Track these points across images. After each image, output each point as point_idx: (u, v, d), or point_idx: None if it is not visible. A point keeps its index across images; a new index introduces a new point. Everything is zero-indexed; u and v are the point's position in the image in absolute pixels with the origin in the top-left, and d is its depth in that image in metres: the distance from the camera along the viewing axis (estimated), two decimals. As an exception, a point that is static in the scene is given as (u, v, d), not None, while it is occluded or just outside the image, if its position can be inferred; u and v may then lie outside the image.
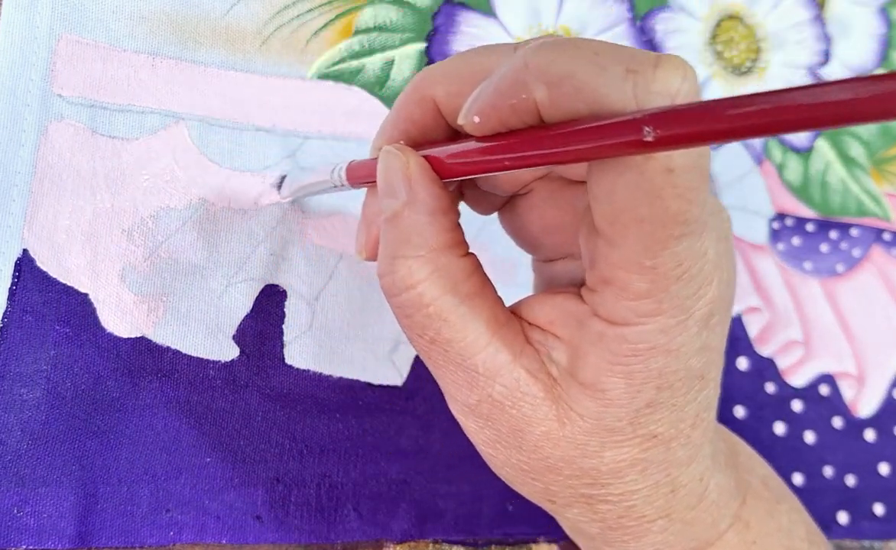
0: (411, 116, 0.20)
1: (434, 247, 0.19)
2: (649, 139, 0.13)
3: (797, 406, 0.34)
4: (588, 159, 0.15)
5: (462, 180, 0.21)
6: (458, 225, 0.20)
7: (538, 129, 0.16)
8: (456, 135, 0.20)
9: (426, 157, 0.19)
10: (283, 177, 0.29)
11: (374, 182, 0.20)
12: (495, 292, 0.20)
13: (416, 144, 0.20)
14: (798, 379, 0.34)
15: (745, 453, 0.24)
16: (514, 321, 0.20)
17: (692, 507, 0.20)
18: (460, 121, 0.18)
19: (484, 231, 0.30)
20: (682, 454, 0.19)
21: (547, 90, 0.15)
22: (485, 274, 0.20)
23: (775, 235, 0.36)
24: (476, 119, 0.17)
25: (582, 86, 0.15)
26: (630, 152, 0.14)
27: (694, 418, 0.19)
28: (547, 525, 0.29)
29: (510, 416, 0.19)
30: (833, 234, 0.36)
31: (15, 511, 0.24)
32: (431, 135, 0.20)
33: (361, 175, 0.22)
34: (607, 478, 0.19)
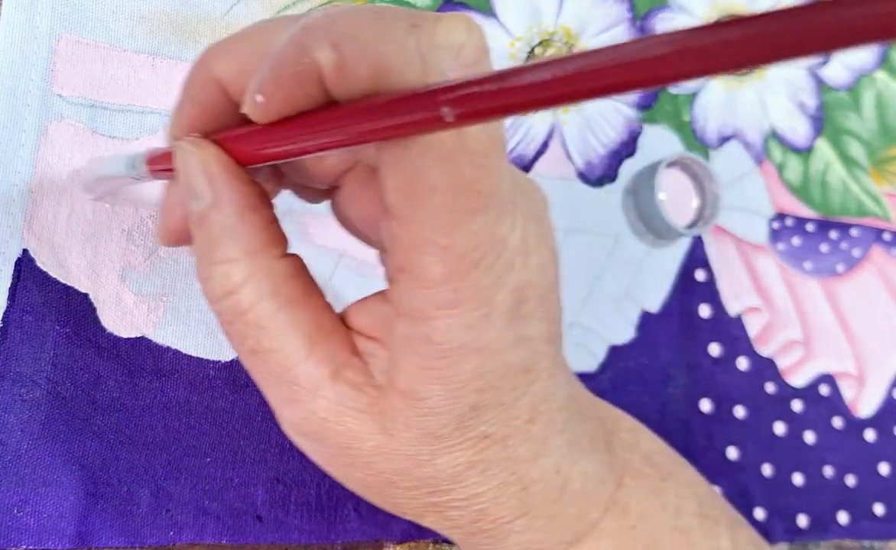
0: (198, 100, 0.18)
1: (248, 249, 0.17)
2: (450, 119, 0.12)
3: (797, 406, 0.34)
4: (383, 138, 0.14)
5: (278, 165, 0.20)
6: (274, 220, 0.18)
7: (331, 108, 0.15)
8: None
9: (223, 146, 0.17)
10: (78, 172, 0.26)
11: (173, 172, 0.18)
12: (322, 297, 0.18)
13: (209, 131, 0.18)
14: (798, 379, 0.34)
15: (627, 428, 0.22)
16: (341, 330, 0.18)
17: (553, 501, 0.19)
18: (245, 108, 0.16)
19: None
20: (523, 450, 0.18)
21: (330, 51, 0.14)
22: (309, 276, 0.18)
23: (775, 235, 0.36)
24: (259, 98, 0.15)
25: (365, 44, 0.14)
26: (429, 130, 0.13)
27: (530, 412, 0.18)
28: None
29: (336, 433, 0.18)
30: (833, 234, 0.36)
31: (15, 511, 0.24)
32: (223, 121, 0.18)
33: (164, 166, 0.19)
34: (448, 484, 0.18)
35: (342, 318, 0.19)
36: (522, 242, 0.16)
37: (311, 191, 0.21)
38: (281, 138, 0.16)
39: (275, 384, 0.18)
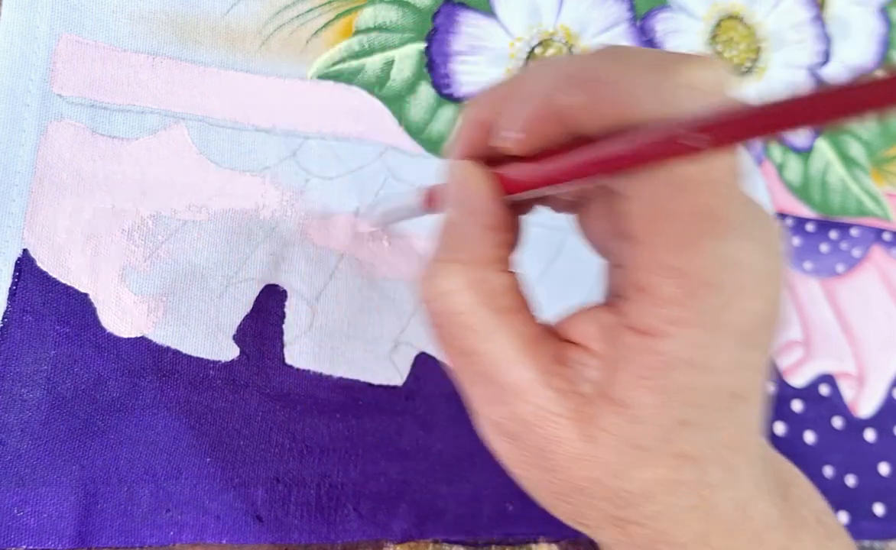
0: (472, 141, 0.20)
1: (477, 259, 0.19)
2: (702, 146, 0.14)
3: (797, 406, 0.34)
4: (636, 168, 0.16)
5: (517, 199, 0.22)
6: (509, 245, 0.20)
7: (585, 145, 0.16)
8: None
9: (494, 175, 0.19)
10: (361, 214, 0.30)
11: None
12: (531, 311, 0.20)
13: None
14: (798, 379, 0.34)
15: (802, 484, 0.23)
16: (549, 340, 0.19)
17: (730, 534, 0.19)
18: (495, 142, 0.18)
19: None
20: (717, 477, 0.18)
21: (585, 96, 0.16)
22: (523, 293, 0.20)
23: (775, 235, 0.36)
24: (521, 135, 0.17)
25: (610, 86, 0.15)
26: (678, 159, 0.15)
27: (731, 439, 0.18)
28: (547, 525, 0.29)
29: (537, 436, 0.18)
30: (833, 234, 0.36)
31: (15, 511, 0.24)
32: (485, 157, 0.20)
33: (434, 203, 0.23)
34: (636, 500, 0.18)
35: (552, 329, 0.20)
36: (753, 269, 0.17)
37: (563, 205, 0.23)
38: (546, 172, 0.18)
39: (481, 384, 0.19)
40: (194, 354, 0.27)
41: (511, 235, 0.20)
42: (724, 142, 0.13)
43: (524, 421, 0.18)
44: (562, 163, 0.17)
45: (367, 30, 0.32)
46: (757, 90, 0.37)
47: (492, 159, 0.20)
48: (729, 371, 0.17)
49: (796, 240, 0.36)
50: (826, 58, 0.39)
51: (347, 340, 0.29)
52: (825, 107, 0.12)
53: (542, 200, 0.22)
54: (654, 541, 0.19)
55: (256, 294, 0.28)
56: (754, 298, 0.17)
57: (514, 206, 0.20)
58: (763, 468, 0.20)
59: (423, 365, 0.29)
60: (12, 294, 0.25)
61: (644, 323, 0.17)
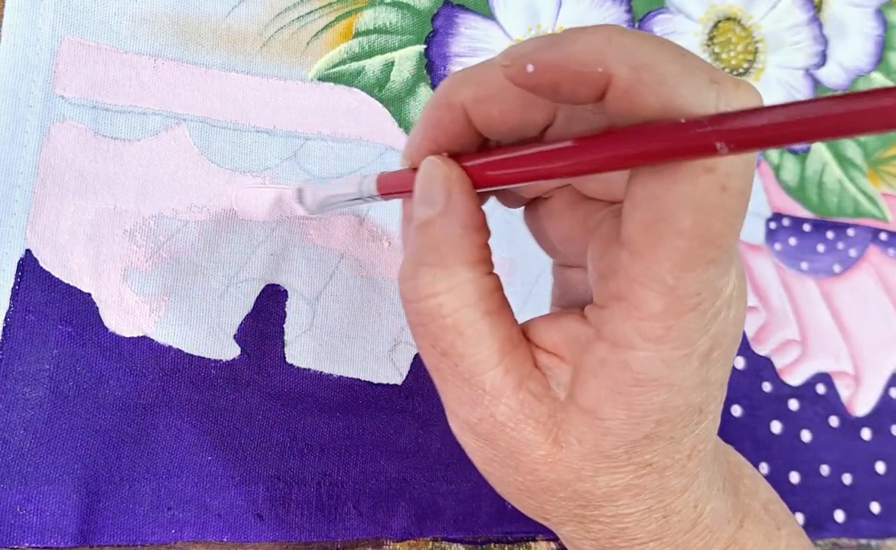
0: (440, 123, 0.19)
1: (462, 260, 0.18)
2: (724, 152, 0.13)
3: (794, 405, 0.34)
4: (652, 163, 0.15)
5: (489, 191, 0.21)
6: (488, 244, 0.19)
7: (601, 135, 0.16)
8: (485, 144, 0.20)
9: (466, 169, 0.19)
10: (301, 190, 0.28)
11: (406, 193, 0.20)
12: (512, 313, 0.20)
13: (444, 152, 0.20)
14: (795, 378, 0.34)
15: (749, 475, 0.24)
16: (525, 344, 0.19)
17: (685, 531, 0.20)
18: (502, 60, 0.17)
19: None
20: (676, 482, 0.19)
21: (628, 71, 0.15)
22: (504, 295, 0.20)
23: (772, 235, 0.36)
24: (530, 67, 0.16)
25: (664, 79, 0.15)
26: (701, 156, 0.14)
27: (691, 449, 0.19)
28: (546, 523, 0.29)
29: (510, 438, 0.19)
30: (830, 235, 0.37)
31: (18, 509, 0.24)
32: (461, 143, 0.19)
33: (394, 186, 0.22)
34: (600, 501, 0.19)
35: (524, 333, 0.20)
36: (730, 295, 0.17)
37: (512, 200, 0.23)
38: (534, 161, 0.17)
39: (459, 386, 0.19)
40: (196, 353, 0.27)
41: (486, 232, 0.19)
42: (747, 145, 0.13)
43: (498, 423, 0.19)
44: (554, 152, 0.16)
45: (367, 32, 0.32)
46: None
47: (454, 154, 0.19)
48: (694, 389, 0.18)
49: (793, 241, 0.36)
50: (823, 59, 0.39)
51: (347, 339, 0.29)
52: (849, 119, 0.12)
53: (498, 193, 0.22)
54: (612, 538, 0.20)
55: (257, 294, 0.28)
56: (723, 321, 0.17)
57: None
58: (717, 468, 0.21)
59: (423, 364, 0.30)
60: (15, 294, 0.26)
61: (618, 335, 0.17)
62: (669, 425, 0.18)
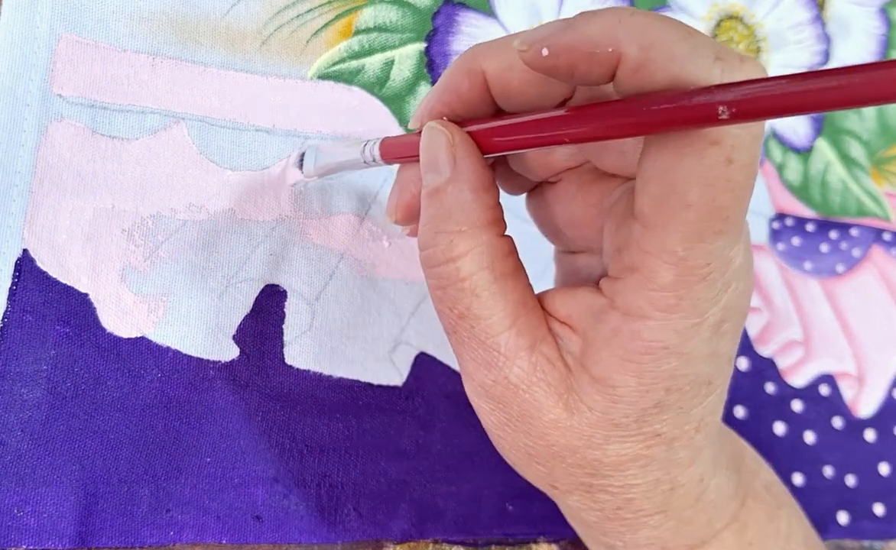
0: (458, 89, 0.19)
1: (476, 224, 0.19)
2: (724, 116, 0.14)
3: (797, 406, 0.34)
4: (657, 130, 0.16)
5: (495, 158, 0.21)
6: (499, 203, 0.20)
7: (607, 103, 0.16)
8: (499, 113, 0.20)
9: (471, 133, 0.19)
10: (303, 155, 0.28)
11: (411, 158, 0.20)
12: (526, 276, 0.20)
13: (459, 119, 0.20)
14: (798, 379, 0.34)
15: (751, 457, 0.24)
16: (539, 308, 0.20)
17: (690, 506, 0.21)
18: (519, 45, 0.17)
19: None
20: (683, 455, 0.20)
21: (638, 50, 0.15)
22: (518, 258, 0.20)
23: (775, 235, 0.36)
24: (545, 51, 0.17)
25: (673, 57, 0.15)
26: (702, 125, 0.15)
27: (698, 422, 0.19)
28: (546, 525, 0.29)
29: (522, 400, 0.19)
30: (833, 234, 0.36)
31: (15, 511, 0.24)
32: (476, 111, 0.20)
33: (397, 152, 0.22)
34: (608, 470, 0.19)
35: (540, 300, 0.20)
36: (740, 267, 0.18)
37: (515, 185, 0.23)
38: (541, 127, 0.17)
39: (475, 347, 0.19)
40: (194, 354, 0.27)
41: (497, 191, 0.20)
42: (748, 114, 0.14)
43: (512, 385, 0.19)
44: (567, 117, 0.17)
45: (367, 30, 0.32)
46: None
47: (468, 115, 0.19)
48: (704, 360, 0.18)
49: (796, 240, 0.36)
50: (826, 58, 0.39)
51: (347, 340, 0.29)
52: (857, 88, 0.12)
53: (501, 180, 0.22)
54: (618, 508, 0.20)
55: (256, 294, 0.28)
56: (734, 294, 0.18)
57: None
58: (721, 444, 0.22)
59: (423, 365, 0.29)
60: (12, 294, 0.26)
61: (631, 305, 0.17)
62: (679, 394, 0.18)
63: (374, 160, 0.23)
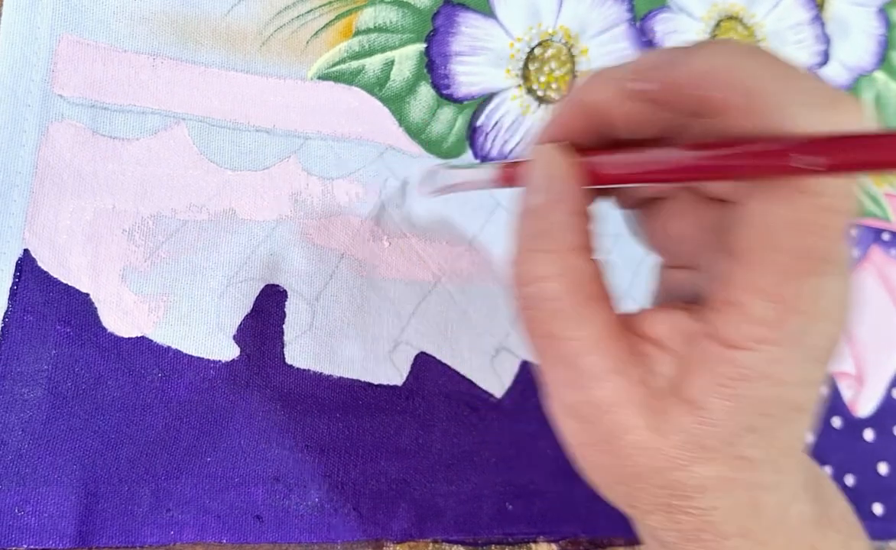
0: (571, 118, 0.20)
1: (569, 247, 0.19)
2: (819, 169, 0.14)
3: (796, 405, 0.34)
4: (750, 177, 0.16)
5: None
6: (592, 230, 0.20)
7: (705, 145, 0.17)
8: (614, 145, 0.20)
9: (583, 164, 0.20)
10: (432, 172, 0.28)
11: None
12: (612, 300, 0.20)
13: (573, 144, 0.20)
14: (797, 379, 0.34)
15: (829, 485, 0.24)
16: (625, 330, 0.20)
17: (769, 530, 0.20)
18: (630, 76, 0.18)
19: (485, 230, 0.30)
20: (769, 479, 0.20)
21: (744, 99, 0.16)
22: (605, 281, 0.20)
23: (774, 235, 0.36)
24: (654, 86, 0.18)
25: (780, 105, 0.16)
26: (798, 174, 0.15)
27: (787, 447, 0.19)
28: (546, 525, 0.29)
29: (607, 421, 0.19)
30: (832, 234, 0.37)
31: (16, 511, 0.24)
32: (586, 141, 0.20)
33: (514, 175, 0.23)
34: (692, 492, 0.19)
35: (624, 321, 0.21)
36: (838, 298, 0.18)
37: (626, 200, 0.23)
38: (646, 165, 0.18)
39: (561, 368, 0.20)
40: (195, 354, 0.27)
41: (592, 218, 0.20)
42: (840, 168, 0.14)
43: (597, 405, 0.19)
44: (663, 159, 0.18)
45: (367, 30, 0.32)
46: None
47: (580, 149, 0.20)
48: (798, 386, 0.18)
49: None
50: (825, 58, 0.39)
51: (347, 340, 0.29)
52: None
53: (608, 193, 0.23)
54: (700, 530, 0.20)
55: (257, 294, 0.28)
56: (830, 323, 0.18)
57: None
58: (805, 471, 0.21)
59: (423, 364, 0.29)
60: (13, 294, 0.26)
61: (729, 336, 0.18)
62: (770, 419, 0.18)
63: (491, 181, 0.24)
